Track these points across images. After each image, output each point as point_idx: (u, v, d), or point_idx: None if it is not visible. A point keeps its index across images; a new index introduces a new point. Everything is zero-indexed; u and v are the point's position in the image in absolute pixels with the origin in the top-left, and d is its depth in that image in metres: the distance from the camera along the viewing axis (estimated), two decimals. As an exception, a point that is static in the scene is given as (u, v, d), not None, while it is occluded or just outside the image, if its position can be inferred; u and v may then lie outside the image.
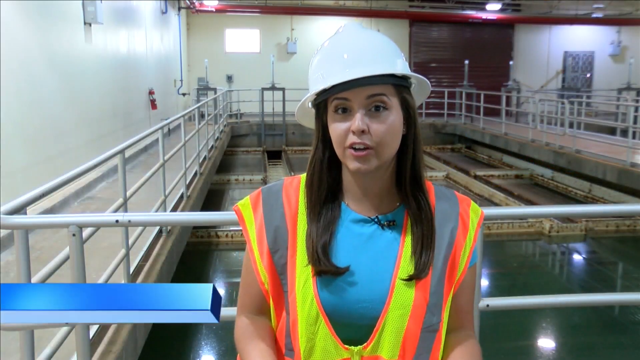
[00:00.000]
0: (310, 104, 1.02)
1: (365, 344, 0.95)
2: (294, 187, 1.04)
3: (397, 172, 1.01)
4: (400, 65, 0.96)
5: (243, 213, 1.04)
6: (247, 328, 1.03)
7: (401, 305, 0.94)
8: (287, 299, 0.98)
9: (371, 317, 0.95)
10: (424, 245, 0.96)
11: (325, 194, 1.00)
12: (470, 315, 1.06)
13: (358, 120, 0.92)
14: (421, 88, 1.04)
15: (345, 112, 0.94)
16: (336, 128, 0.94)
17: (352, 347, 0.95)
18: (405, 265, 0.96)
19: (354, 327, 0.96)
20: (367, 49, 0.95)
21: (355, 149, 0.93)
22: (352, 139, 0.93)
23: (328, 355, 0.96)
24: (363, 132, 0.92)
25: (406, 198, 0.99)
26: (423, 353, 0.96)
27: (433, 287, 0.96)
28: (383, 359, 0.95)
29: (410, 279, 0.95)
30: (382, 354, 0.95)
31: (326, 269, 0.95)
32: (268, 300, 1.03)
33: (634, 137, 9.48)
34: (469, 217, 1.02)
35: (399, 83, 0.95)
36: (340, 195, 1.02)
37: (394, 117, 0.94)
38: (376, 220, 0.99)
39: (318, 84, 0.96)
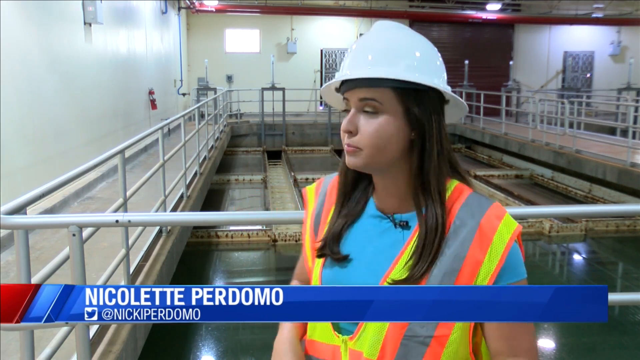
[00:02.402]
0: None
1: (351, 335, 0.97)
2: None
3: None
4: (399, 70, 0.92)
5: (307, 196, 1.14)
6: None
7: None
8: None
9: None
10: (421, 255, 0.92)
11: (353, 187, 1.05)
12: (520, 342, 0.93)
13: (345, 120, 0.95)
14: (454, 102, 0.99)
15: (347, 111, 0.97)
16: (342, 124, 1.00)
17: (340, 336, 0.98)
18: (400, 267, 0.94)
19: None
20: (374, 50, 0.93)
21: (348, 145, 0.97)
22: (344, 136, 0.97)
23: (324, 337, 1.01)
24: (350, 132, 0.94)
25: (418, 204, 0.97)
26: None
27: None
28: (363, 356, 0.94)
29: (399, 282, 0.93)
30: (363, 351, 0.94)
31: (325, 253, 1.02)
32: (310, 277, 1.10)
33: (634, 137, 9.48)
34: (495, 230, 0.92)
35: (402, 87, 0.92)
36: (372, 190, 1.05)
37: (386, 122, 0.92)
38: (391, 218, 1.00)
39: (334, 78, 1.01)
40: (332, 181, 1.11)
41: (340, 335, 0.98)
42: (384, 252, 0.97)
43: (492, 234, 0.92)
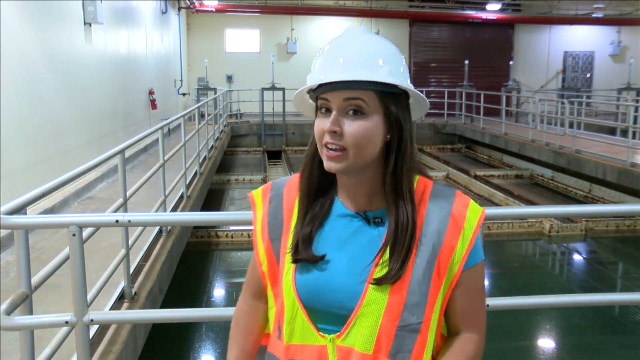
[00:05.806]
0: (311, 99, 1.06)
1: (338, 333, 0.98)
2: (295, 183, 1.09)
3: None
4: (383, 74, 0.95)
5: (255, 199, 1.13)
6: (242, 318, 1.14)
7: (376, 301, 0.96)
8: (280, 285, 1.05)
9: (347, 308, 0.97)
10: (394, 252, 0.96)
11: (316, 189, 1.05)
12: (476, 317, 1.03)
13: (331, 120, 0.95)
14: (418, 102, 1.05)
15: (328, 111, 0.97)
16: (317, 126, 0.99)
17: (326, 335, 0.98)
18: (382, 264, 0.98)
19: (331, 315, 0.99)
20: (355, 54, 0.96)
21: (328, 149, 0.96)
22: (326, 138, 0.96)
23: (306, 339, 1.00)
24: (335, 132, 0.95)
25: (387, 204, 1.00)
26: (400, 352, 0.96)
27: (412, 287, 0.95)
28: (356, 351, 0.97)
29: (381, 279, 0.96)
30: (355, 346, 0.97)
31: (301, 257, 1.00)
32: (265, 283, 1.10)
33: (634, 137, 9.47)
34: (464, 218, 0.99)
35: (383, 90, 0.95)
36: (334, 190, 1.06)
37: (370, 122, 0.95)
38: (363, 216, 1.02)
39: (308, 81, 1.01)
40: (287, 184, 1.10)
41: (325, 335, 0.99)
42: (363, 251, 0.99)
43: (462, 221, 0.99)
